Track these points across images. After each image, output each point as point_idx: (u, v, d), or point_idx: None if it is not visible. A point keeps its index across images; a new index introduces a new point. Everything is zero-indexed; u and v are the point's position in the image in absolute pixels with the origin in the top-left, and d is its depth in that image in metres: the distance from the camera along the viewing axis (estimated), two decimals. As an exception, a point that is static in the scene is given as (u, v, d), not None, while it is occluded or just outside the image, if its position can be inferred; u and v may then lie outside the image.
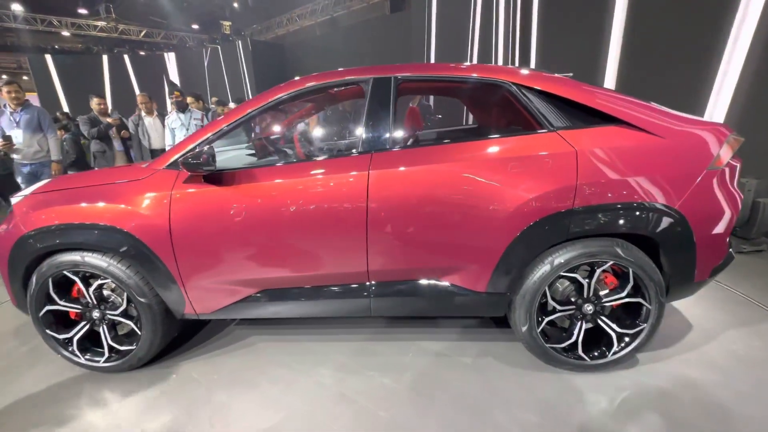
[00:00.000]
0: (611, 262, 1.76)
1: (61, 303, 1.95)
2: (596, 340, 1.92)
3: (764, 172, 3.45)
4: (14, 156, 4.33)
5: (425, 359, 2.09)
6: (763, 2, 3.67)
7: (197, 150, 1.77)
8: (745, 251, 3.29)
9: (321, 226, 1.81)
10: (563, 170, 1.70)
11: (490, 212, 1.74)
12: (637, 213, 1.69)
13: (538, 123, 1.79)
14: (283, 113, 2.54)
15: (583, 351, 1.89)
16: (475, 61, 8.35)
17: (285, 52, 16.13)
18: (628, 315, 1.91)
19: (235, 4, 18.81)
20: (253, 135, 2.51)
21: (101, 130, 4.85)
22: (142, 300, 1.91)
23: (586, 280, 1.80)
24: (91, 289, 1.92)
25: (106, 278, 1.90)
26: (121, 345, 2.00)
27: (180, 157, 1.85)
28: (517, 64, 7.37)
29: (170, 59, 16.55)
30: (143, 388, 1.95)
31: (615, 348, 1.87)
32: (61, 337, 1.99)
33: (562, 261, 1.75)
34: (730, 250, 1.95)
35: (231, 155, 2.41)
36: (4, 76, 19.99)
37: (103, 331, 1.99)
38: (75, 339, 1.99)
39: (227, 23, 20.39)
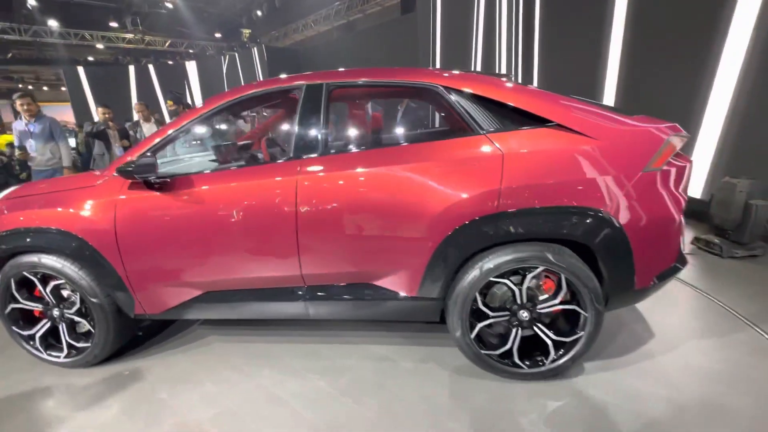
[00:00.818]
0: (542, 268, 1.71)
1: (23, 302, 2.09)
2: (535, 348, 1.86)
3: (757, 173, 3.23)
4: (30, 163, 4.68)
5: (368, 363, 2.09)
6: (759, 3, 3.47)
7: (141, 157, 1.86)
8: (738, 256, 3.09)
9: (253, 231, 1.86)
10: (489, 173, 1.67)
11: (416, 216, 1.73)
12: (564, 217, 1.64)
13: (468, 125, 1.77)
14: (237, 118, 2.61)
15: (521, 358, 1.84)
16: (479, 63, 8.25)
17: (299, 57, 16.45)
18: (568, 323, 1.85)
19: (258, 12, 19.39)
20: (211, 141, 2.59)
21: (91, 131, 5.18)
22: (93, 300, 2.01)
23: (518, 287, 1.76)
24: (48, 289, 2.05)
25: (60, 279, 2.01)
26: (78, 342, 2.12)
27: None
28: (520, 65, 7.24)
29: (191, 67, 17.25)
30: (96, 384, 2.05)
31: (552, 356, 1.81)
32: (25, 333, 2.13)
33: (492, 266, 1.72)
34: (683, 254, 1.86)
35: (195, 161, 2.50)
36: (21, 85, 21.33)
37: (62, 329, 2.11)
38: (37, 336, 2.13)
39: (246, 31, 21.03)
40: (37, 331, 2.12)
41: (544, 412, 1.69)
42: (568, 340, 1.79)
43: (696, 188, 4.29)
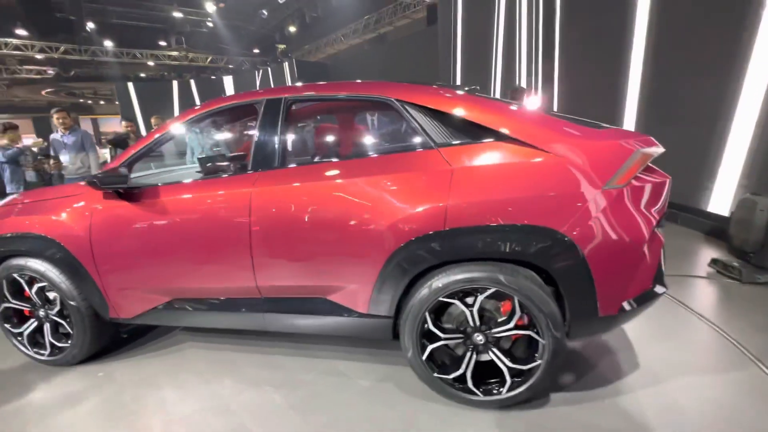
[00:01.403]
0: (493, 289, 1.61)
1: (13, 301, 2.25)
2: (492, 374, 1.75)
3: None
4: (63, 171, 5.11)
5: (327, 379, 2.05)
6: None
7: (116, 168, 1.97)
8: (760, 282, 2.77)
9: (212, 242, 1.90)
10: (436, 189, 1.61)
11: (364, 232, 1.69)
12: (513, 236, 1.54)
13: (421, 139, 1.72)
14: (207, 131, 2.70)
15: (476, 385, 1.73)
16: (499, 72, 8.10)
17: (328, 70, 16.97)
18: (528, 349, 1.72)
19: (291, 28, 20.22)
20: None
21: (112, 140, 5.59)
22: (72, 303, 2.13)
23: (470, 308, 1.67)
24: (33, 291, 2.19)
25: (44, 282, 2.15)
26: (59, 342, 2.25)
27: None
28: (540, 73, 7.02)
29: (228, 81, 18.23)
30: (72, 383, 2.16)
31: (508, 384, 1.69)
32: (15, 331, 2.29)
33: (440, 285, 1.64)
34: (662, 277, 1.68)
35: (178, 172, 2.61)
36: (81, 100, 23.09)
37: (46, 328, 2.25)
38: (25, 333, 2.27)
39: (281, 46, 21.93)
40: (25, 330, 2.27)
41: (492, 445, 1.58)
42: (525, 368, 1.66)
43: (720, 204, 3.93)
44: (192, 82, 18.46)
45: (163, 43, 19.61)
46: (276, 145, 1.87)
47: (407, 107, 1.75)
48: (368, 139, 2.10)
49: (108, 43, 17.80)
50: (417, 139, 1.74)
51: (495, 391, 1.71)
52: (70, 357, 2.24)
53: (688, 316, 2.49)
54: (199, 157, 2.55)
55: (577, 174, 1.54)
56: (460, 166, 1.62)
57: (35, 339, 2.31)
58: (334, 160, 1.92)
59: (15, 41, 16.20)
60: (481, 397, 1.73)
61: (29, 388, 2.13)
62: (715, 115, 3.91)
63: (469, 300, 1.68)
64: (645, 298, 1.63)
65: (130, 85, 18.09)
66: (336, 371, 2.11)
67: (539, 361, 1.64)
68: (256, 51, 22.86)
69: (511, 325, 1.64)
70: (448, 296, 1.66)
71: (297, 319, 1.94)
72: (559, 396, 1.82)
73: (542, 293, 1.57)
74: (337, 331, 1.94)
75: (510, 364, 1.68)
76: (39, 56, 17.27)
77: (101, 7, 15.34)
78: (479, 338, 1.70)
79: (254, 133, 1.90)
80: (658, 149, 1.62)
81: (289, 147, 1.92)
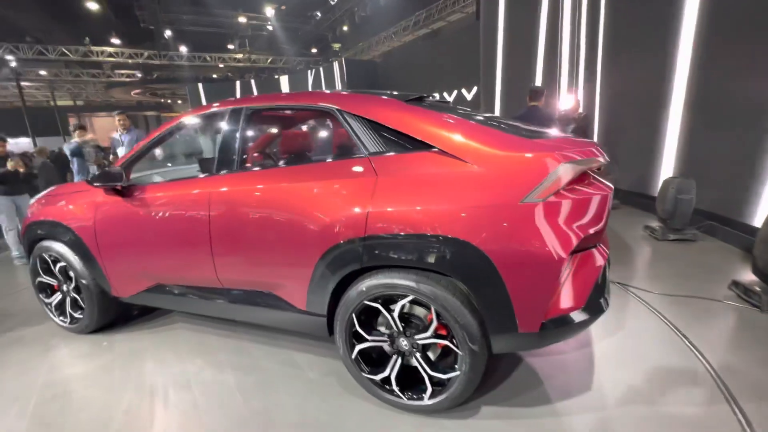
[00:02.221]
0: (411, 297, 1.64)
1: (45, 277, 2.71)
2: (420, 380, 1.77)
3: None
4: None
5: (281, 368, 2.21)
6: None
7: (111, 169, 2.29)
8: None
9: (182, 235, 2.14)
10: (360, 197, 1.67)
11: (298, 234, 1.81)
12: (427, 246, 1.55)
13: (356, 148, 1.79)
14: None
15: (404, 389, 1.77)
16: (540, 69, 7.68)
17: (377, 68, 17.20)
18: (449, 359, 1.73)
19: (344, 27, 20.80)
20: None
21: None
22: (83, 281, 2.52)
23: (390, 314, 1.71)
24: (57, 269, 2.62)
25: (64, 262, 2.57)
26: (75, 313, 2.67)
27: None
28: (581, 71, 6.56)
29: (284, 81, 19.25)
30: (80, 348, 2.57)
31: (429, 392, 1.71)
32: (46, 301, 2.76)
33: (363, 288, 1.71)
34: (595, 300, 1.59)
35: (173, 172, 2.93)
36: (162, 100, 25.63)
37: (67, 301, 2.68)
38: (53, 304, 2.73)
39: (336, 45, 22.59)
40: (53, 301, 2.73)
41: (404, 448, 1.62)
42: (444, 377, 1.67)
43: (756, 217, 3.43)
44: (252, 81, 19.79)
45: (231, 47, 21.28)
46: (234, 151, 2.05)
47: (346, 116, 1.82)
48: (311, 147, 2.20)
49: (183, 48, 19.72)
50: (353, 148, 1.81)
51: (417, 397, 1.74)
52: (83, 327, 2.65)
53: (676, 342, 2.26)
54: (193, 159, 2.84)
55: (495, 187, 1.51)
56: (384, 175, 1.66)
57: (61, 309, 2.76)
58: (281, 165, 2.05)
59: (109, 49, 18.61)
60: (405, 401, 1.77)
61: (49, 348, 2.58)
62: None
63: (393, 306, 1.73)
64: (572, 320, 1.55)
65: (200, 86, 19.87)
66: (292, 361, 2.26)
67: (457, 372, 1.64)
68: (314, 51, 23.88)
69: (429, 333, 1.66)
70: (372, 300, 1.72)
71: (251, 310, 2.12)
72: (492, 409, 1.79)
73: (459, 304, 1.57)
74: (284, 325, 2.08)
75: (430, 372, 1.70)
76: (129, 61, 19.67)
77: (176, 16, 17.02)
78: (404, 343, 1.74)
79: (219, 138, 2.10)
80: (594, 160, 1.53)
81: (244, 153, 2.08)
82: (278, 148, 2.15)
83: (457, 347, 1.62)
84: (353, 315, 1.77)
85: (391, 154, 1.71)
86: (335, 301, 1.84)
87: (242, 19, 19.10)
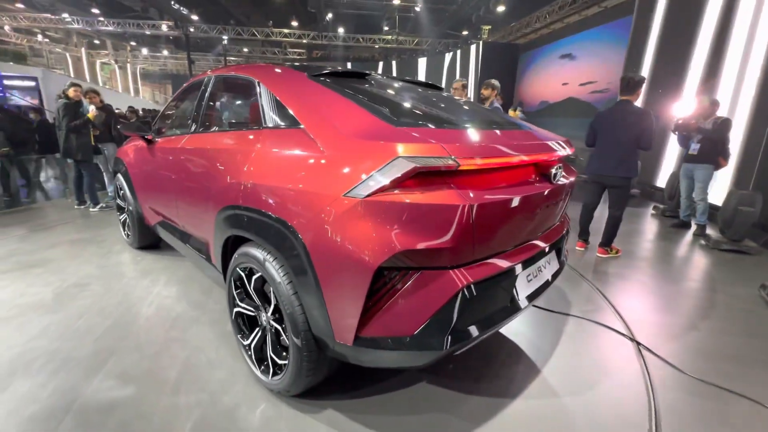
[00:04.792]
0: (259, 273, 1.63)
1: (119, 200, 3.60)
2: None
3: None
4: None
5: (207, 303, 2.48)
6: None
7: (139, 123, 2.89)
8: None
9: (167, 180, 2.55)
10: (241, 167, 1.72)
11: (205, 193, 1.99)
12: (261, 225, 1.51)
13: (260, 119, 1.81)
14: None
15: (259, 360, 1.80)
16: (698, 69, 5.89)
17: (516, 51, 15.83)
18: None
19: (499, 8, 19.54)
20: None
21: None
22: (129, 207, 3.28)
23: (247, 285, 1.73)
24: (121, 195, 3.46)
25: (122, 190, 3.37)
26: (127, 231, 3.50)
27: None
28: (758, 78, 4.78)
29: (422, 63, 19.48)
30: (124, 255, 3.38)
31: (271, 371, 1.69)
32: (120, 218, 3.67)
33: (237, 255, 1.77)
34: (442, 337, 1.28)
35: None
36: None
37: (127, 221, 3.51)
38: (120, 223, 3.63)
39: (486, 27, 21.49)
40: (121, 219, 3.63)
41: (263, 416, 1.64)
42: (279, 361, 1.64)
43: None
44: (393, 63, 20.65)
45: (386, 28, 22.51)
46: (194, 114, 2.35)
47: (261, 89, 1.85)
48: (236, 115, 2.28)
49: (340, 30, 21.80)
50: (260, 119, 1.83)
51: (263, 372, 1.75)
52: (134, 242, 3.47)
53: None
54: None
55: (329, 174, 1.35)
56: (260, 147, 1.66)
57: (124, 227, 3.64)
58: (214, 130, 2.25)
59: (285, 30, 21.93)
60: (258, 372, 1.79)
61: (115, 249, 3.46)
62: None
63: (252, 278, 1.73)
64: (390, 345, 1.31)
65: (348, 65, 21.80)
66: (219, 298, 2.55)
67: (286, 361, 1.59)
68: (465, 33, 23.22)
69: (269, 313, 1.63)
70: (243, 269, 1.77)
71: (192, 253, 2.41)
72: (355, 401, 1.67)
73: (289, 292, 1.49)
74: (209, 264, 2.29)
75: (270, 353, 1.68)
76: (303, 41, 22.86)
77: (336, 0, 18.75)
78: (263, 318, 1.75)
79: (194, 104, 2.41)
80: (445, 160, 1.21)
81: (201, 118, 2.32)
82: (213, 115, 2.35)
83: (286, 335, 1.56)
84: (231, 279, 1.86)
85: (273, 128, 1.68)
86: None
87: (395, 1, 19.82)
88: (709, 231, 4.42)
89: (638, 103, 3.57)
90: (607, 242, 3.63)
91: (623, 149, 3.34)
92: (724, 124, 4.18)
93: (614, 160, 3.36)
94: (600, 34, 11.44)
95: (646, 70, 7.23)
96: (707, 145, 4.29)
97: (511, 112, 8.27)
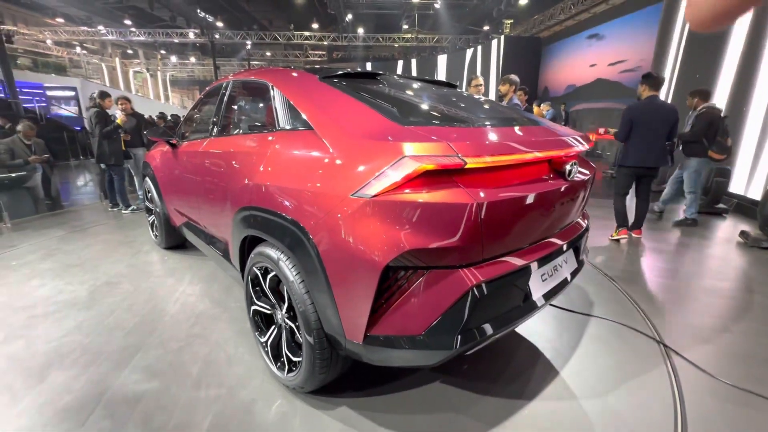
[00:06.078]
0: (274, 273, 1.67)
1: (147, 203, 3.77)
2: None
3: None
4: None
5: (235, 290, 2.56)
6: None
7: (165, 129, 3.00)
8: None
9: (190, 183, 2.65)
10: (256, 169, 1.76)
11: (224, 194, 2.05)
12: (274, 225, 1.55)
13: (274, 122, 1.85)
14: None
15: (275, 357, 1.84)
16: (732, 67, 5.56)
17: (539, 45, 15.39)
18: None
19: (522, 1, 19.08)
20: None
21: None
22: (156, 209, 3.43)
23: (264, 284, 1.78)
24: (149, 197, 3.61)
25: (150, 192, 3.53)
26: (155, 231, 3.66)
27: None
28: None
29: (442, 60, 19.29)
30: (152, 255, 3.52)
31: (287, 368, 1.73)
32: (148, 220, 3.84)
33: (254, 255, 1.81)
34: (454, 336, 1.28)
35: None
36: None
37: (155, 222, 3.66)
38: (148, 224, 3.79)
39: (508, 21, 21.03)
40: (151, 221, 3.79)
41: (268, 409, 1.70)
42: (294, 358, 1.67)
43: None
44: (413, 61, 20.55)
45: (405, 27, 22.45)
46: (214, 118, 2.41)
47: (275, 92, 1.89)
48: (252, 118, 2.31)
49: (360, 31, 21.91)
50: (273, 122, 1.87)
51: (279, 369, 1.79)
52: (161, 242, 3.62)
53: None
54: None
55: (335, 173, 1.37)
56: (275, 148, 1.70)
57: (152, 228, 3.80)
58: (232, 133, 2.29)
59: (306, 33, 22.25)
60: (274, 368, 1.83)
61: (144, 249, 3.62)
62: None
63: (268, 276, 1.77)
64: (401, 344, 1.31)
65: (368, 66, 21.86)
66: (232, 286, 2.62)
67: (301, 358, 1.62)
68: (486, 28, 22.83)
69: (283, 311, 1.67)
70: (259, 268, 1.82)
71: (215, 254, 2.48)
72: (363, 400, 1.69)
73: (302, 291, 1.52)
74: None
75: (285, 350, 1.72)
76: (323, 43, 23.15)
77: (355, 0, 18.83)
78: (278, 316, 1.79)
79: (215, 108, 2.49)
80: (451, 158, 1.20)
81: (221, 122, 2.39)
82: (230, 119, 2.40)
83: (300, 332, 1.59)
84: (249, 278, 1.91)
85: (286, 130, 1.72)
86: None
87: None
88: (748, 228, 4.17)
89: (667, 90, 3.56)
90: (638, 225, 3.95)
91: (662, 141, 3.53)
92: (699, 118, 4.03)
93: (655, 152, 3.55)
94: (627, 24, 10.97)
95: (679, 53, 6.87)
96: (687, 138, 4.16)
97: (535, 109, 7.94)
